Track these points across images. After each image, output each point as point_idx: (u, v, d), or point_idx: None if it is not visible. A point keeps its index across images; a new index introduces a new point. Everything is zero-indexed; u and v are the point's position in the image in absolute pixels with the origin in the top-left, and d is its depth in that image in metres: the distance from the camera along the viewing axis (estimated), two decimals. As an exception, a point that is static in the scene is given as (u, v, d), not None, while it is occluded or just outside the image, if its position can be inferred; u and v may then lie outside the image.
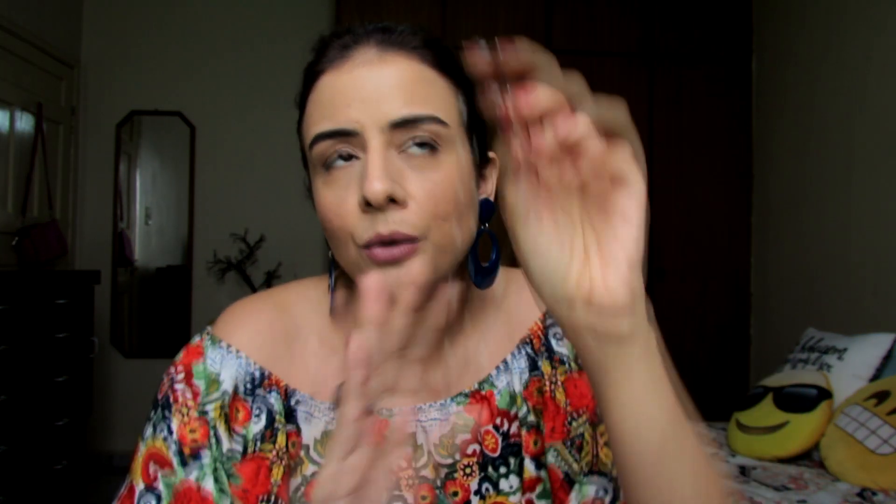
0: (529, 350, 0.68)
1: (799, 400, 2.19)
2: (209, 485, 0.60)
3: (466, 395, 0.66)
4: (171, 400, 0.62)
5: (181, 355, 0.65)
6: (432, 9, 3.33)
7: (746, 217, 3.46)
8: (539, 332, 0.69)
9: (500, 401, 0.66)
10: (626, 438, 0.46)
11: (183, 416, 0.61)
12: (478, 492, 0.64)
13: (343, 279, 0.68)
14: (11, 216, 3.08)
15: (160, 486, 0.60)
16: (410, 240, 0.55)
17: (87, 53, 3.73)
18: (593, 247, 0.43)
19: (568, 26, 3.39)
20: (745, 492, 1.86)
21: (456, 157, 0.58)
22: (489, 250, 0.65)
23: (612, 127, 0.40)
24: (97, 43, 3.74)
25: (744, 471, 2.07)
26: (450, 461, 0.65)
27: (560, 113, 0.39)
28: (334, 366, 0.66)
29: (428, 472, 0.64)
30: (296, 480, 0.63)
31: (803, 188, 3.08)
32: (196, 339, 0.66)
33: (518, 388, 0.67)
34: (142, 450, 0.62)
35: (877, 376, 2.20)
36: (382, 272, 0.55)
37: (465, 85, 0.61)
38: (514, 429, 0.66)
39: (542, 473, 0.65)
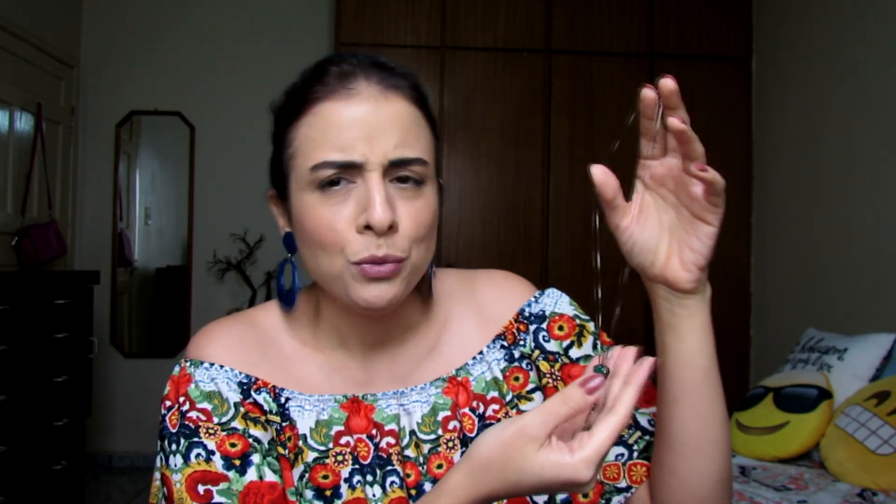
0: (504, 343, 0.76)
1: (799, 400, 2.19)
2: (270, 476, 0.65)
3: (444, 380, 0.74)
4: (193, 426, 0.65)
5: (170, 388, 0.69)
6: (432, 9, 3.32)
7: (746, 217, 3.45)
8: (513, 329, 0.77)
9: (475, 386, 0.74)
10: (679, 367, 0.63)
11: (213, 435, 0.65)
12: None
13: (309, 290, 0.75)
14: (11, 216, 3.08)
15: (220, 498, 0.63)
16: (398, 260, 0.64)
17: (86, 53, 3.73)
18: (675, 242, 0.60)
19: (568, 26, 3.38)
20: (745, 492, 1.85)
21: (431, 190, 0.67)
22: None
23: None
24: (97, 43, 3.74)
25: (744, 471, 2.07)
26: (433, 437, 0.71)
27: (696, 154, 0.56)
28: (317, 363, 0.73)
29: (411, 452, 0.70)
30: (299, 468, 0.68)
31: (803, 188, 3.08)
32: (177, 369, 0.70)
33: (498, 375, 0.75)
34: (178, 478, 0.64)
35: (877, 376, 2.20)
36: (370, 287, 0.64)
37: (433, 122, 0.70)
38: (489, 411, 0.73)
39: None
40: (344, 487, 0.67)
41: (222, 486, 0.63)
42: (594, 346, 0.75)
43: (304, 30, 3.81)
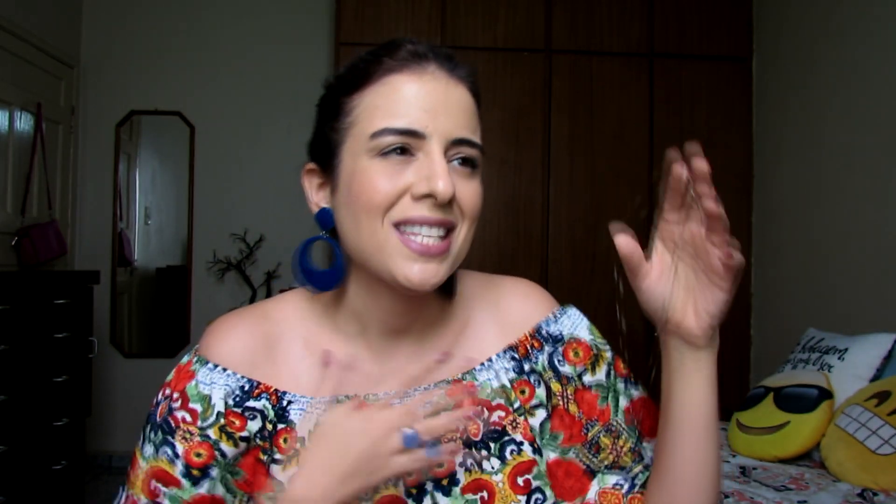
0: (515, 355, 0.76)
1: (799, 400, 2.19)
2: (220, 491, 0.67)
3: (449, 382, 0.73)
4: (174, 425, 0.68)
5: (173, 377, 0.71)
6: (432, 9, 3.32)
7: (746, 217, 3.45)
8: (526, 344, 0.77)
9: (480, 391, 0.74)
10: (685, 413, 0.66)
11: (187, 440, 0.67)
12: (462, 464, 0.70)
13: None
14: (11, 216, 3.08)
15: (164, 500, 0.66)
16: (450, 228, 0.65)
17: (86, 53, 3.73)
18: (690, 301, 0.63)
19: (568, 26, 3.38)
20: (746, 492, 1.85)
21: (480, 178, 0.69)
22: None
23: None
24: (97, 43, 3.74)
25: (744, 471, 2.07)
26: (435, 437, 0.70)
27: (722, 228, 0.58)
28: (319, 363, 0.72)
29: None
30: (292, 469, 0.67)
31: (803, 188, 3.08)
32: (185, 359, 0.72)
33: (506, 382, 0.74)
34: (143, 466, 0.68)
35: (877, 376, 2.20)
36: (416, 265, 0.64)
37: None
38: (494, 417, 0.73)
39: (538, 457, 0.72)
40: None
41: (172, 490, 0.66)
42: (607, 375, 0.76)
43: (304, 30, 3.80)
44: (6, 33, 3.01)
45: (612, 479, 0.73)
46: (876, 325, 2.44)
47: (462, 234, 0.67)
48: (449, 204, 0.64)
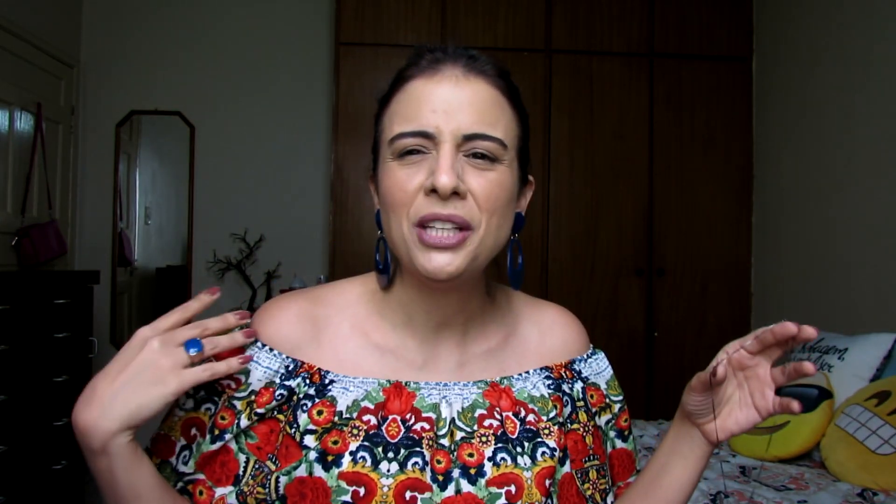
0: (550, 375, 0.82)
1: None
2: (232, 444, 0.73)
3: (487, 383, 0.78)
4: (220, 389, 0.74)
5: None
6: (432, 9, 3.32)
7: (747, 217, 3.45)
8: (560, 370, 0.83)
9: (518, 394, 0.78)
10: (674, 488, 0.77)
11: (226, 404, 0.74)
12: (492, 459, 0.73)
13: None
14: (11, 216, 3.07)
15: (194, 446, 0.73)
16: (464, 226, 0.68)
17: (86, 53, 3.73)
18: (724, 413, 0.73)
19: (568, 26, 3.38)
20: (746, 492, 1.85)
21: (506, 170, 0.71)
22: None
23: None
24: (97, 43, 3.74)
25: (744, 471, 2.07)
26: (468, 430, 0.75)
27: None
28: (372, 342, 0.78)
29: (446, 441, 0.73)
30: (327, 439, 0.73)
31: (804, 187, 3.08)
32: None
33: (545, 392, 0.79)
34: (180, 414, 0.75)
35: (877, 376, 2.20)
36: (432, 255, 0.67)
37: (523, 116, 0.75)
38: (530, 417, 0.77)
39: (559, 467, 0.76)
40: (346, 458, 0.70)
41: (199, 440, 0.73)
42: (606, 423, 0.85)
43: (304, 30, 3.80)
44: (6, 33, 3.01)
45: None
46: (876, 325, 2.44)
47: (483, 227, 0.69)
48: (461, 198, 0.67)
